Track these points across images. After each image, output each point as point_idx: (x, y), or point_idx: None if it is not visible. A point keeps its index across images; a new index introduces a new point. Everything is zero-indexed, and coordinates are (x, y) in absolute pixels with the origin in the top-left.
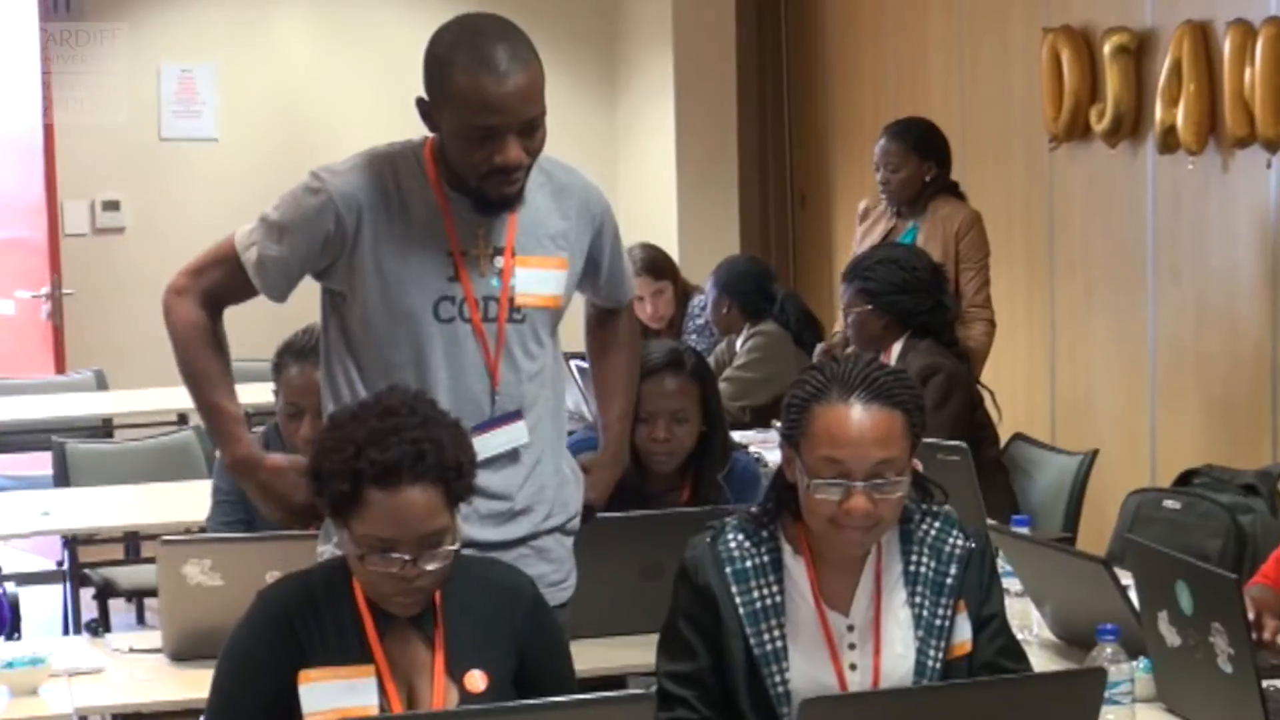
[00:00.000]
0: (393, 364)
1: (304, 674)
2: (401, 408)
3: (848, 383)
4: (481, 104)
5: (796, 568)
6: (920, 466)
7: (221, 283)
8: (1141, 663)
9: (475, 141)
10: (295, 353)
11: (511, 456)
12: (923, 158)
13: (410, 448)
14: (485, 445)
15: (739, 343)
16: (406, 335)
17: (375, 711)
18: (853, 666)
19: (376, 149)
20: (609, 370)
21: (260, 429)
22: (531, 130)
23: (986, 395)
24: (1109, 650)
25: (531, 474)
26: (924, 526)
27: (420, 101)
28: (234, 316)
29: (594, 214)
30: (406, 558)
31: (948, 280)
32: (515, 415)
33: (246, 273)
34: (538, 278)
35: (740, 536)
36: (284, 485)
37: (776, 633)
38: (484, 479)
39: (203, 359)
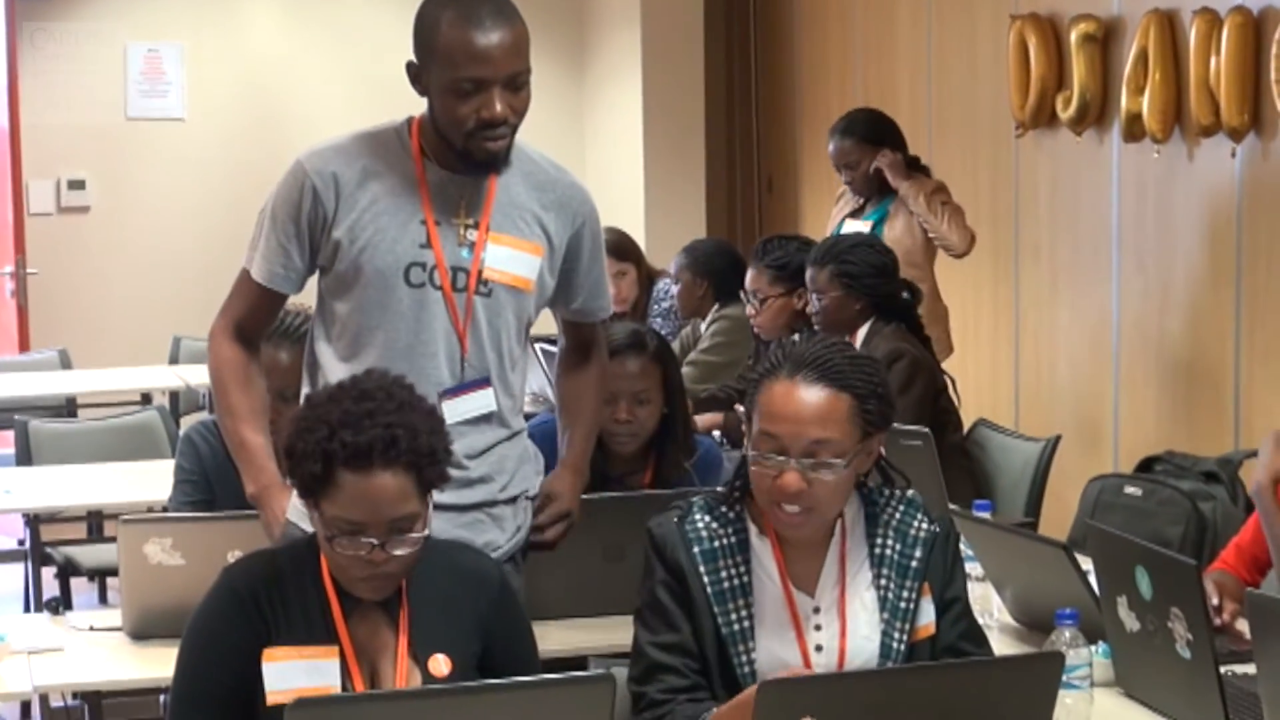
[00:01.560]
0: (365, 328)
1: (268, 652)
2: (378, 391)
3: (800, 361)
4: (469, 55)
5: (763, 548)
6: (883, 451)
7: (242, 307)
8: (1100, 647)
9: (462, 95)
10: (283, 334)
11: (475, 424)
12: (875, 145)
13: (383, 432)
14: (454, 410)
15: (704, 326)
16: (378, 299)
17: (338, 692)
18: (819, 647)
19: (362, 129)
20: (580, 389)
21: None
22: (516, 87)
23: (948, 382)
24: (1067, 634)
25: (495, 445)
26: (889, 509)
27: (410, 65)
28: None
29: (575, 212)
30: (375, 541)
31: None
32: (483, 382)
33: (258, 283)
34: (509, 256)
35: (708, 518)
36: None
37: (744, 613)
38: None
39: (231, 394)
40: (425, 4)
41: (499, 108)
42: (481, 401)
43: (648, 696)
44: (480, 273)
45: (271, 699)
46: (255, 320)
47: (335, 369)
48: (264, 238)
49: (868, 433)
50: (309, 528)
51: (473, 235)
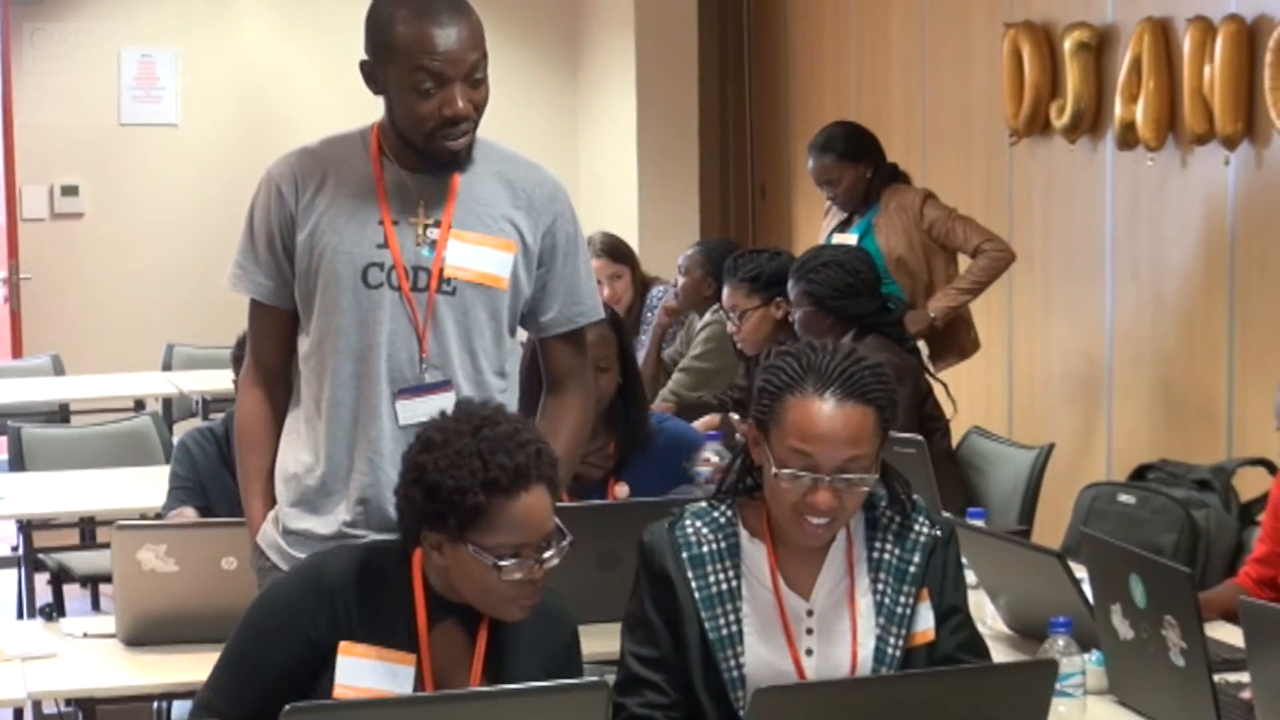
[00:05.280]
0: (333, 330)
1: (346, 646)
2: (494, 417)
3: (824, 375)
4: (424, 50)
5: (755, 552)
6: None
7: (254, 339)
8: (1094, 655)
9: (422, 93)
10: None
11: None
12: (855, 161)
13: (531, 449)
14: (412, 411)
15: (697, 324)
16: (337, 301)
17: None
18: (809, 652)
19: (331, 134)
20: (557, 409)
21: (220, 416)
22: (475, 81)
23: (939, 387)
24: (1061, 642)
25: None
26: (889, 513)
27: (363, 65)
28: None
29: (545, 209)
30: (534, 560)
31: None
32: (445, 385)
33: (255, 302)
34: (474, 253)
35: (698, 523)
36: None
37: (732, 617)
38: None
39: (244, 457)
40: (375, 3)
41: (461, 104)
42: (441, 404)
43: (627, 709)
44: (442, 271)
45: (339, 691)
46: (271, 349)
47: (303, 373)
48: (241, 251)
49: (884, 441)
50: (279, 560)
51: (434, 234)
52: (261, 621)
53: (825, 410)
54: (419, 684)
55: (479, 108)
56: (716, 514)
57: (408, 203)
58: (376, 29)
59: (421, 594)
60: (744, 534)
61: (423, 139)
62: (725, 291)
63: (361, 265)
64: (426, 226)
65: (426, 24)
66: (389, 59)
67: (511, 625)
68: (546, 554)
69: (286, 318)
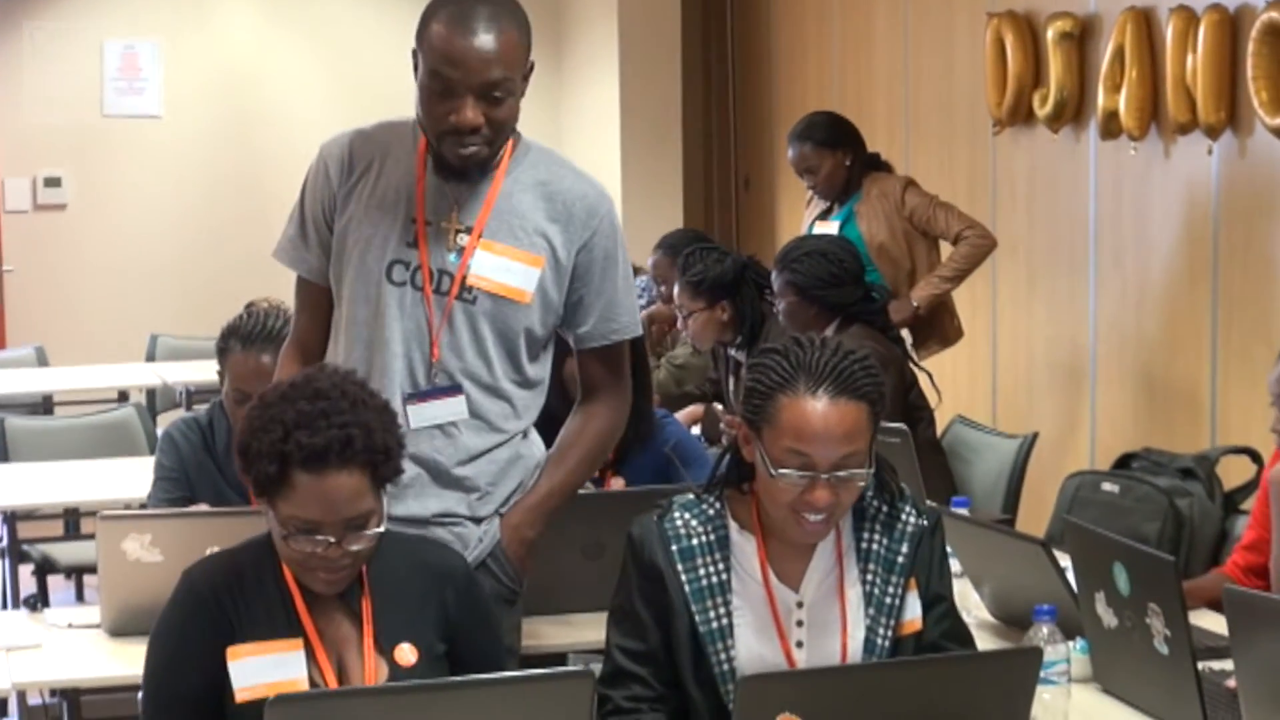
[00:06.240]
0: (354, 320)
1: (232, 650)
2: (331, 390)
3: (815, 373)
4: (444, 55)
5: (745, 545)
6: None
7: (298, 314)
8: (1078, 643)
9: (435, 95)
10: (241, 337)
11: (444, 432)
12: (834, 149)
13: (338, 433)
14: (422, 415)
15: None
16: (364, 293)
17: (305, 685)
18: (799, 644)
19: (392, 119)
20: (570, 438)
21: (204, 407)
22: (494, 98)
23: (923, 376)
24: (1045, 630)
25: (468, 459)
26: (875, 503)
27: (413, 53)
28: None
29: (584, 224)
30: (330, 539)
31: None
32: (454, 390)
33: (301, 279)
34: (500, 265)
35: (687, 515)
36: None
37: (722, 610)
38: (412, 446)
39: None
40: None
41: (469, 114)
42: (450, 409)
43: (613, 701)
44: (465, 279)
45: (240, 696)
46: (307, 323)
47: (329, 354)
48: (289, 223)
49: (875, 433)
50: None
51: (463, 240)
52: (159, 654)
53: (819, 409)
54: (312, 666)
55: (496, 125)
56: (705, 506)
57: (443, 205)
58: (422, 21)
59: (293, 577)
60: (733, 526)
61: (435, 139)
62: (676, 288)
63: (389, 261)
64: (458, 232)
65: (455, 31)
66: (420, 51)
67: (394, 588)
68: (349, 538)
69: (325, 295)
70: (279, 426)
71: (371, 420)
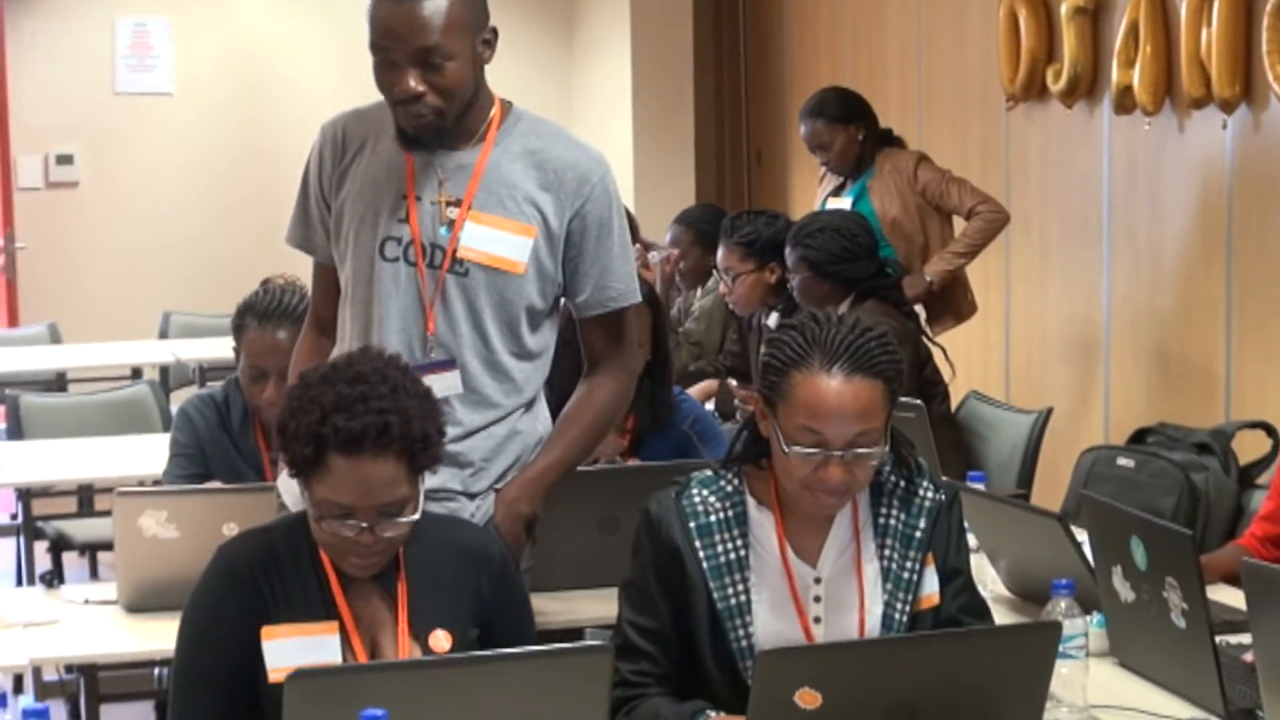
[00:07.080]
0: (354, 298)
1: (267, 630)
2: (372, 374)
3: (831, 350)
4: (378, 27)
5: (763, 521)
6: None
7: (313, 291)
8: (1095, 617)
9: (378, 66)
10: (257, 314)
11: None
12: (847, 124)
13: (376, 418)
14: None
15: (696, 297)
16: (361, 270)
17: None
18: (817, 619)
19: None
20: (574, 410)
21: (218, 383)
22: (433, 64)
23: (938, 351)
24: (1063, 605)
25: (463, 435)
26: (893, 479)
27: None
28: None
29: (575, 192)
30: (364, 525)
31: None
32: (449, 364)
33: (315, 260)
34: (490, 236)
35: (705, 492)
36: None
37: (740, 586)
38: None
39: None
40: None
41: (409, 83)
42: (445, 383)
43: (620, 673)
44: (456, 252)
45: (273, 676)
46: (320, 299)
47: (337, 329)
48: (296, 204)
49: (892, 411)
50: (290, 504)
51: (453, 213)
52: (192, 630)
53: (834, 386)
54: (347, 650)
55: (443, 91)
56: (723, 482)
57: (431, 179)
58: None
59: (329, 559)
60: (751, 502)
61: (390, 108)
62: (720, 251)
63: (382, 237)
64: (448, 204)
65: (385, 1)
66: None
67: (430, 572)
68: (383, 524)
69: (334, 275)
70: (317, 408)
71: (411, 407)
